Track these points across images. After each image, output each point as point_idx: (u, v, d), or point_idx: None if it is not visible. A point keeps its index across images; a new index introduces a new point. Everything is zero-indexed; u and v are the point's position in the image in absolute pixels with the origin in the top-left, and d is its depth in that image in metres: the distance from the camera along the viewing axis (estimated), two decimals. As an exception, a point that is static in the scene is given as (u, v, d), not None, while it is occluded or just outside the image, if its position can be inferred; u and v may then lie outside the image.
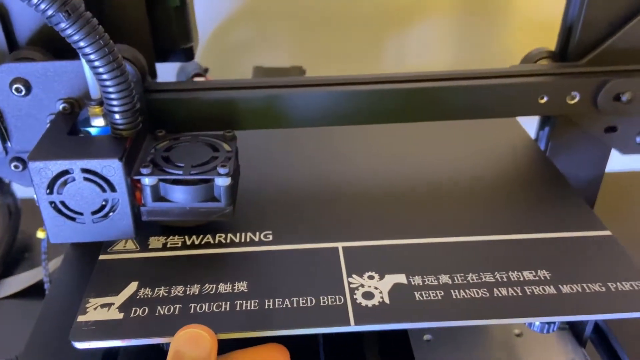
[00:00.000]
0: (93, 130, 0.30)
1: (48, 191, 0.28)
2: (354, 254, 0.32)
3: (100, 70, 0.27)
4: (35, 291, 0.50)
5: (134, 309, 0.28)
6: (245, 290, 0.29)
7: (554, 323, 0.32)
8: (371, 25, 0.70)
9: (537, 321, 0.31)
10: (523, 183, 0.39)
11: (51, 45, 0.32)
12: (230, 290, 0.29)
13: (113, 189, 0.29)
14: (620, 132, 0.39)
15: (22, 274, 0.52)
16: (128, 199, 0.29)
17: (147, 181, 0.29)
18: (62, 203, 0.29)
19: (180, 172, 0.30)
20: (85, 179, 0.28)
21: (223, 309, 0.28)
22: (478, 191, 0.38)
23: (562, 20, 0.38)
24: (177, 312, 0.28)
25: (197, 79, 0.59)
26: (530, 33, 0.70)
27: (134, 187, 0.30)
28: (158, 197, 0.30)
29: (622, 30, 0.36)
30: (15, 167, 0.36)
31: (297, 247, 0.32)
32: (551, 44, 0.42)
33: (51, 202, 0.29)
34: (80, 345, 0.27)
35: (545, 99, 0.35)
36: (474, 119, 0.37)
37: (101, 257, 0.31)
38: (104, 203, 0.29)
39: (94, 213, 0.29)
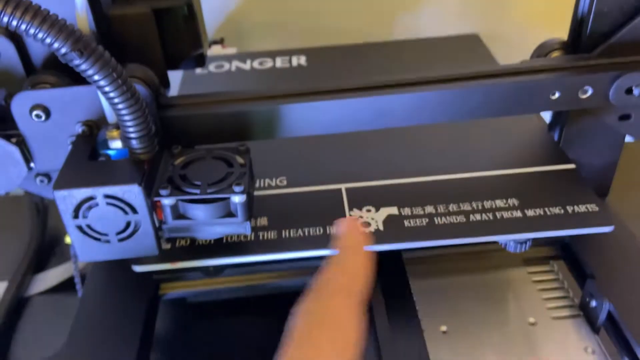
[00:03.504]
0: (112, 152, 0.31)
1: (74, 216, 0.30)
2: (355, 193, 0.38)
3: (115, 101, 0.28)
4: (66, 288, 0.53)
5: (178, 240, 0.35)
6: (266, 224, 0.36)
7: (525, 243, 0.35)
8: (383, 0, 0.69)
9: (506, 240, 0.35)
10: (505, 131, 0.43)
11: (66, 68, 0.33)
12: (254, 225, 0.35)
13: (135, 211, 0.30)
14: (634, 119, 0.39)
15: (53, 270, 0.54)
16: (149, 219, 0.30)
17: (166, 202, 0.31)
18: (88, 226, 0.30)
19: (198, 191, 0.31)
20: (108, 203, 0.29)
21: (249, 239, 0.35)
22: (459, 139, 0.43)
23: (574, 11, 0.37)
24: (212, 242, 0.35)
25: (214, 46, 0.60)
26: (542, 2, 0.68)
27: (154, 206, 0.31)
28: (178, 215, 0.31)
29: (634, 21, 0.35)
30: (41, 181, 0.37)
31: (307, 190, 0.38)
32: (562, 12, 0.41)
33: (78, 226, 0.30)
34: (138, 268, 0.34)
35: (556, 95, 0.35)
36: (485, 118, 0.37)
37: None
38: (127, 224, 0.31)
39: (118, 233, 0.31)
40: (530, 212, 0.35)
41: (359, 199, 0.37)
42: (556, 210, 0.35)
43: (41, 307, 0.51)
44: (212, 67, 0.56)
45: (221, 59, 0.57)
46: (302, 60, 0.56)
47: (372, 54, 0.57)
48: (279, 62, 0.56)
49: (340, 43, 0.60)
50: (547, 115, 0.45)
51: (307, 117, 0.35)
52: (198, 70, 0.55)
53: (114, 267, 0.41)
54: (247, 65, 0.56)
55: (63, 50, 0.26)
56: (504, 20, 0.71)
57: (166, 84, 0.38)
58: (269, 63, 0.56)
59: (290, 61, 0.56)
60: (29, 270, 0.53)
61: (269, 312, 0.45)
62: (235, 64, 0.56)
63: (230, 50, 0.60)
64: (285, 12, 0.69)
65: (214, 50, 0.60)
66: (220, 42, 0.61)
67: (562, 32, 0.40)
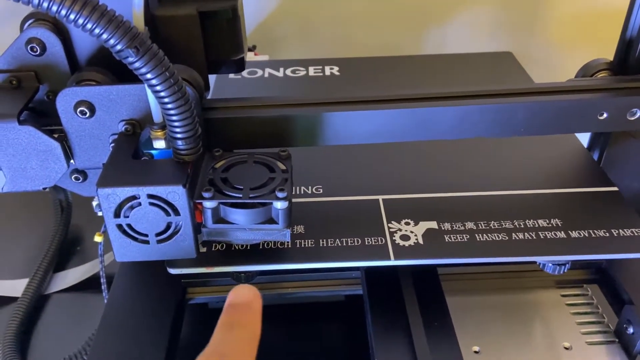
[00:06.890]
0: (155, 152, 0.31)
1: (115, 215, 0.29)
2: (393, 204, 0.37)
3: (166, 100, 0.27)
4: (87, 286, 0.53)
5: (214, 244, 0.34)
6: (303, 232, 0.35)
7: (565, 265, 0.35)
8: (413, 15, 0.69)
9: (548, 262, 0.35)
10: (544, 151, 0.43)
11: (111, 66, 0.33)
12: (291, 232, 0.34)
13: (177, 213, 0.29)
14: (678, 144, 0.38)
15: (75, 269, 0.54)
16: (191, 222, 0.30)
17: (208, 204, 0.30)
18: (129, 226, 0.30)
19: (240, 195, 0.30)
20: (151, 203, 0.29)
21: (286, 246, 0.34)
22: (499, 156, 0.42)
23: (622, 31, 0.37)
24: (249, 248, 0.34)
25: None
26: (574, 23, 0.68)
27: (195, 208, 0.31)
28: (218, 218, 0.31)
29: (686, 44, 0.35)
30: (76, 178, 0.37)
31: (344, 199, 0.38)
32: (595, 33, 0.41)
33: (118, 225, 0.30)
34: (173, 271, 0.34)
35: (604, 116, 0.35)
36: (529, 135, 0.36)
37: None
38: (168, 225, 0.30)
39: (158, 234, 0.30)
40: (574, 234, 0.34)
41: (397, 211, 0.37)
42: (601, 233, 0.34)
43: (61, 304, 0.50)
44: (244, 73, 0.56)
45: (254, 65, 0.57)
46: (335, 70, 0.56)
47: (405, 67, 0.56)
48: (312, 71, 0.56)
49: (371, 55, 0.60)
50: (581, 136, 0.44)
51: (350, 125, 0.34)
52: (231, 75, 0.55)
53: (142, 269, 0.41)
54: (279, 73, 0.56)
55: (119, 47, 0.25)
56: (534, 39, 0.71)
57: (207, 86, 0.38)
58: (301, 71, 0.56)
59: (323, 70, 0.55)
60: (50, 267, 0.53)
61: (294, 321, 0.44)
62: (269, 70, 0.56)
63: (263, 58, 0.60)
64: (316, 23, 0.69)
65: (246, 57, 0.60)
66: (252, 49, 0.61)
67: (591, 54, 0.40)
